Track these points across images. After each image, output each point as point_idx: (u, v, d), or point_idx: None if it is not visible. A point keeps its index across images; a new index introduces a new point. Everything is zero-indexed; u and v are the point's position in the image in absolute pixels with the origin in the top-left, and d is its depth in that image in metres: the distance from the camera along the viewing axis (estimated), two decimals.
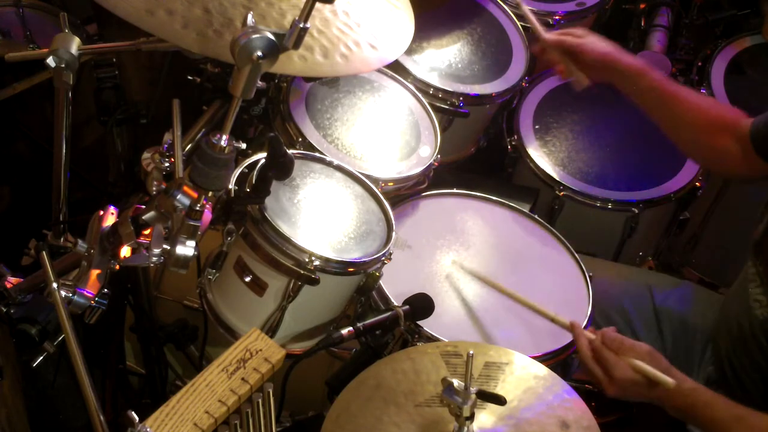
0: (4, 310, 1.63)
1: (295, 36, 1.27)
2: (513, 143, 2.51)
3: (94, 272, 1.43)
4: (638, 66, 2.00)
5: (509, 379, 1.51)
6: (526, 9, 2.37)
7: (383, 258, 1.81)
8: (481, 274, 1.95)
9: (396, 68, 2.24)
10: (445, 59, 2.43)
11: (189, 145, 1.88)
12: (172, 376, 2.11)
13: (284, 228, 1.71)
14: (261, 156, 1.73)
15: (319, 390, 1.74)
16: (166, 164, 1.62)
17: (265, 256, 1.72)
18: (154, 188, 1.54)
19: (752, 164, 1.88)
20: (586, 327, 1.91)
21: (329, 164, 1.93)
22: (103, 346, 2.07)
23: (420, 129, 2.17)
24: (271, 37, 1.25)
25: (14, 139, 2.58)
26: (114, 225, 1.44)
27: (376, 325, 1.68)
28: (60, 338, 1.66)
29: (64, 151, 1.67)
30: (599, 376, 1.68)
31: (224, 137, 1.32)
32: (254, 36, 1.24)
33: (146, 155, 1.64)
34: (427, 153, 2.12)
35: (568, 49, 2.06)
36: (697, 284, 2.32)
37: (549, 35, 2.11)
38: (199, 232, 1.42)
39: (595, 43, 2.05)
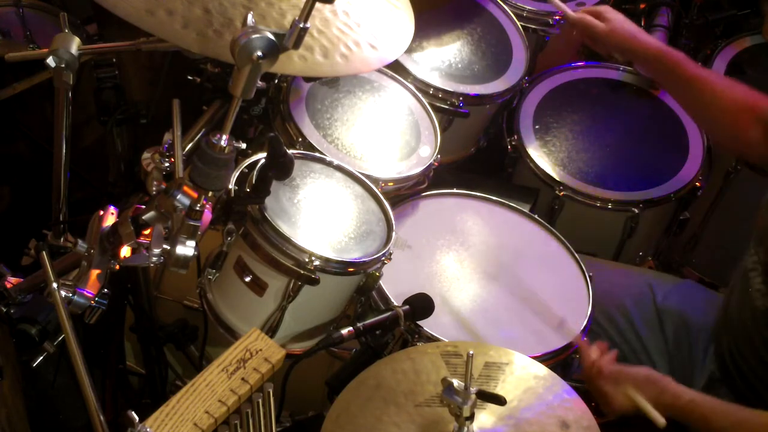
0: (4, 310, 1.63)
1: (295, 36, 1.27)
2: (513, 143, 2.51)
3: (94, 272, 1.43)
4: (659, 48, 2.02)
5: (509, 379, 1.51)
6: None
7: (383, 258, 1.81)
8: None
9: (396, 68, 2.24)
10: (445, 59, 2.43)
11: (189, 145, 1.88)
12: (172, 376, 2.11)
13: (284, 228, 1.71)
14: (261, 156, 1.73)
15: (319, 390, 1.74)
16: (166, 164, 1.62)
17: (265, 256, 1.72)
18: (154, 188, 1.54)
19: None
20: (586, 326, 1.92)
21: (329, 164, 1.93)
22: (103, 346, 2.07)
23: (420, 129, 2.17)
24: (271, 37, 1.25)
25: (14, 139, 2.58)
26: (114, 225, 1.44)
27: (376, 325, 1.68)
28: (60, 338, 1.66)
29: (64, 151, 1.67)
30: (597, 400, 1.70)
31: (224, 137, 1.32)
32: (254, 36, 1.25)
33: (146, 155, 1.64)
34: (427, 153, 2.12)
35: (593, 35, 2.09)
36: (698, 283, 2.32)
37: (575, 15, 2.14)
38: (199, 232, 1.42)
39: (620, 27, 2.07)
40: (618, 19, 2.09)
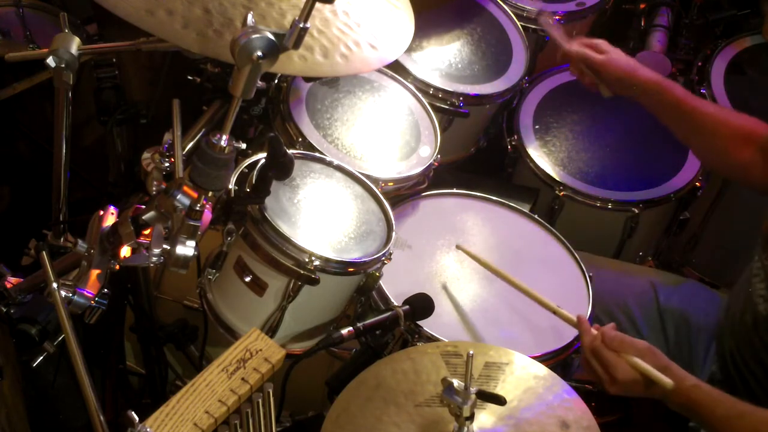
0: (4, 310, 1.63)
1: (295, 36, 1.27)
2: (513, 143, 2.51)
3: (94, 272, 1.43)
4: (658, 81, 2.03)
5: (509, 379, 1.51)
6: (548, 22, 2.38)
7: (383, 258, 1.81)
8: (481, 258, 1.95)
9: (396, 68, 2.24)
10: (445, 59, 2.43)
11: (189, 145, 1.88)
12: (172, 376, 2.11)
13: (284, 228, 1.71)
14: (261, 156, 1.73)
15: (319, 390, 1.74)
16: (166, 164, 1.62)
17: (265, 256, 1.72)
18: (154, 188, 1.54)
19: None
20: None
21: (329, 164, 1.93)
22: (103, 346, 2.07)
23: (420, 129, 2.17)
24: (271, 37, 1.26)
25: (14, 139, 2.58)
26: (114, 225, 1.44)
27: (376, 325, 1.68)
28: (60, 338, 1.66)
29: (64, 151, 1.67)
30: (600, 375, 1.68)
31: (224, 137, 1.32)
32: (254, 36, 1.25)
33: (146, 155, 1.64)
34: (427, 153, 2.12)
35: (590, 65, 2.09)
36: (700, 283, 2.32)
37: (573, 47, 2.13)
38: (199, 232, 1.42)
39: (616, 59, 2.07)
40: (615, 52, 2.09)
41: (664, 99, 2.01)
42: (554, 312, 1.82)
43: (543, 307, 1.84)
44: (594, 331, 1.73)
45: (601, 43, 2.12)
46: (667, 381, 1.62)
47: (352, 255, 1.78)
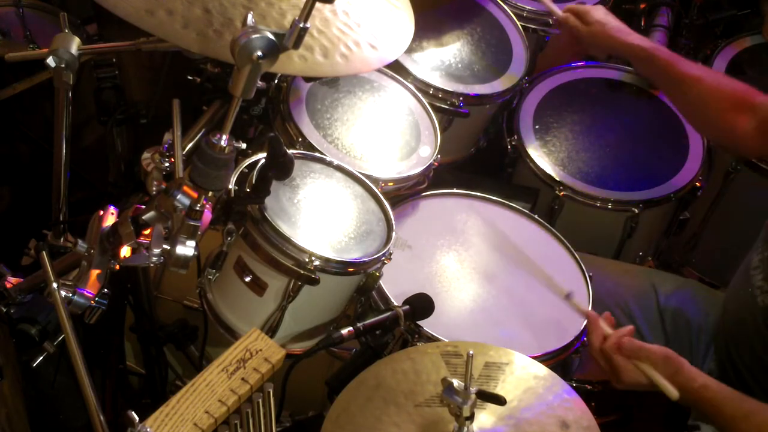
0: (4, 310, 1.64)
1: (295, 36, 1.27)
2: (513, 143, 2.51)
3: (94, 272, 1.43)
4: (646, 45, 2.01)
5: (509, 379, 1.51)
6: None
7: (383, 258, 1.81)
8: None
9: (396, 68, 2.24)
10: (445, 59, 2.43)
11: (189, 145, 1.88)
12: (172, 376, 2.11)
13: (284, 228, 1.71)
14: (261, 156, 1.73)
15: (319, 390, 1.74)
16: (166, 164, 1.62)
17: (265, 256, 1.72)
18: (154, 188, 1.54)
19: None
20: (586, 327, 1.92)
21: (329, 164, 1.93)
22: (103, 346, 2.07)
23: (420, 129, 2.17)
24: (271, 37, 1.26)
25: (14, 140, 2.58)
26: (114, 225, 1.45)
27: (376, 325, 1.68)
28: (60, 338, 1.66)
29: (64, 151, 1.67)
30: (607, 372, 1.69)
31: (224, 137, 1.32)
32: (254, 36, 1.25)
33: (146, 155, 1.64)
34: (427, 153, 2.12)
35: (576, 35, 2.09)
36: (700, 283, 2.32)
37: (563, 14, 2.13)
38: (199, 232, 1.42)
39: (599, 30, 2.06)
40: (603, 21, 2.08)
41: (652, 65, 2.01)
42: (566, 298, 1.82)
43: (556, 294, 1.83)
44: (606, 329, 1.73)
45: (591, 9, 2.12)
46: (672, 392, 1.63)
47: (352, 255, 1.78)
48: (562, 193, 2.40)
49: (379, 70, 2.21)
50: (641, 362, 1.66)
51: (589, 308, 1.96)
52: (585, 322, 1.92)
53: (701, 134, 2.40)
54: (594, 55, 2.13)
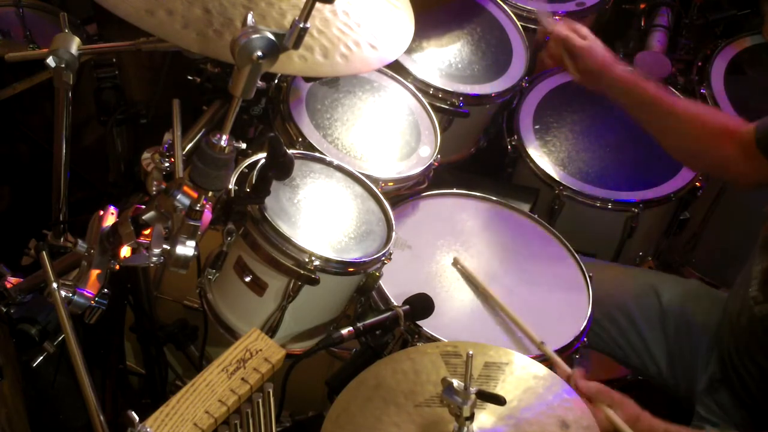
0: (4, 310, 1.63)
1: (295, 36, 1.27)
2: (513, 143, 2.51)
3: (94, 272, 1.43)
4: (632, 78, 2.01)
5: (509, 379, 1.51)
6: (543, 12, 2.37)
7: (383, 258, 1.81)
8: (479, 280, 1.95)
9: (396, 68, 2.24)
10: (445, 59, 2.43)
11: (189, 145, 1.88)
12: (172, 376, 2.11)
13: (284, 228, 1.71)
14: (261, 156, 1.73)
15: (319, 390, 1.74)
16: (166, 164, 1.62)
17: (265, 256, 1.72)
18: (154, 188, 1.54)
19: (759, 168, 1.88)
20: (586, 328, 1.92)
21: (329, 164, 1.93)
22: (103, 346, 2.07)
23: (420, 129, 2.17)
24: (271, 37, 1.26)
25: (14, 140, 2.58)
26: (114, 225, 1.45)
27: (376, 325, 1.68)
28: (60, 338, 1.66)
29: (64, 151, 1.67)
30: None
31: (224, 137, 1.32)
32: (254, 36, 1.25)
33: (146, 155, 1.64)
34: (427, 153, 2.12)
35: (570, 48, 2.08)
36: (701, 283, 2.32)
37: (557, 28, 2.12)
38: (199, 232, 1.42)
39: (596, 49, 2.06)
40: (597, 45, 2.08)
41: (638, 97, 2.00)
42: (537, 346, 1.83)
43: (527, 337, 1.85)
44: (567, 369, 1.73)
45: (584, 30, 2.11)
46: None
47: (352, 255, 1.78)
48: (562, 193, 2.40)
49: (379, 70, 2.21)
50: (603, 405, 1.66)
51: (589, 309, 1.95)
52: (585, 323, 1.92)
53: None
54: (573, 76, 2.10)
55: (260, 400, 1.36)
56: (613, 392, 1.68)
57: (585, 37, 2.08)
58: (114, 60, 1.96)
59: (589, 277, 2.03)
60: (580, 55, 2.05)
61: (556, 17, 2.65)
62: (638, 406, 1.67)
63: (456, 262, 1.99)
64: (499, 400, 1.41)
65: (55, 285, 1.37)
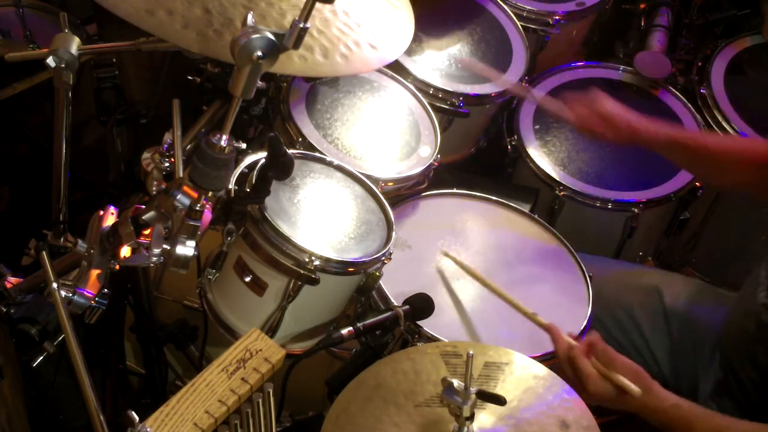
0: (4, 310, 1.63)
1: (295, 36, 1.27)
2: (513, 143, 2.51)
3: (94, 272, 1.43)
4: (663, 136, 2.02)
5: (509, 379, 1.51)
6: (550, 103, 2.33)
7: (383, 258, 1.81)
8: (472, 269, 1.96)
9: (396, 68, 2.25)
10: (445, 59, 2.43)
11: (189, 145, 1.88)
12: (172, 376, 2.11)
13: (284, 228, 1.71)
14: (261, 156, 1.73)
15: (319, 390, 1.73)
16: (166, 164, 1.62)
17: (265, 256, 1.72)
18: (154, 188, 1.54)
19: None
20: (586, 328, 1.92)
21: (329, 164, 1.93)
22: (103, 346, 2.07)
23: (420, 129, 2.17)
24: (271, 37, 1.25)
25: (14, 139, 2.58)
26: (114, 225, 1.44)
27: (376, 325, 1.68)
28: (60, 338, 1.66)
29: (64, 151, 1.67)
30: (573, 382, 1.68)
31: (224, 137, 1.32)
32: (254, 36, 1.25)
33: (146, 155, 1.64)
34: (427, 153, 2.12)
35: (595, 134, 2.09)
36: (705, 283, 2.31)
37: (576, 120, 2.12)
38: (199, 232, 1.42)
39: (616, 119, 2.05)
40: (613, 112, 2.07)
41: (674, 149, 2.05)
42: (531, 319, 1.82)
43: (520, 313, 1.84)
44: (568, 339, 1.73)
45: (595, 101, 2.10)
46: (634, 389, 1.62)
47: (352, 255, 1.78)
48: (562, 193, 2.40)
49: (379, 70, 2.21)
50: (609, 370, 1.66)
51: (589, 308, 1.95)
52: (585, 323, 1.92)
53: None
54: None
55: (260, 400, 1.36)
56: (625, 359, 1.68)
57: (599, 113, 2.07)
58: (114, 60, 1.96)
59: (589, 277, 2.03)
60: (605, 137, 2.07)
61: (556, 17, 2.65)
62: (648, 376, 1.67)
63: (446, 254, 1.99)
64: (499, 400, 1.41)
65: (55, 285, 1.37)
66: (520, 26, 2.59)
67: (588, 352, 1.68)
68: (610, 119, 2.05)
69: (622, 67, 2.75)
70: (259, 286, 1.76)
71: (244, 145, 1.40)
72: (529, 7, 2.66)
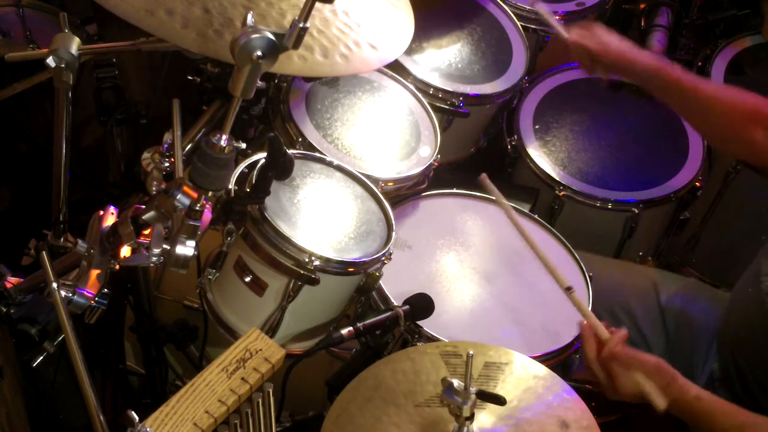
0: (4, 310, 1.63)
1: (295, 36, 1.27)
2: (513, 143, 2.52)
3: (94, 272, 1.43)
4: (654, 65, 2.02)
5: (509, 379, 1.51)
6: (545, 12, 2.38)
7: (383, 258, 1.81)
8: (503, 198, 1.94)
9: (396, 68, 2.24)
10: (445, 59, 2.43)
11: (189, 145, 1.88)
12: (172, 376, 2.11)
13: (284, 228, 1.71)
14: (261, 156, 1.73)
15: (319, 390, 1.74)
16: (166, 164, 1.62)
17: (265, 256, 1.72)
18: (154, 188, 1.54)
19: None
20: None
21: (329, 164, 1.93)
22: (103, 346, 2.07)
23: (420, 129, 2.17)
24: (271, 37, 1.26)
25: (14, 139, 2.58)
26: (114, 225, 1.45)
27: (376, 325, 1.68)
28: (60, 338, 1.66)
29: (64, 151, 1.67)
30: (603, 381, 1.68)
31: (224, 137, 1.32)
32: (254, 36, 1.25)
33: (146, 155, 1.64)
34: (427, 153, 2.12)
35: (588, 52, 2.08)
36: (701, 282, 2.32)
37: (570, 35, 2.13)
38: (199, 232, 1.42)
39: (613, 46, 2.06)
40: (610, 38, 2.08)
41: (663, 82, 2.01)
42: (567, 291, 1.81)
43: (557, 283, 1.82)
44: (602, 333, 1.71)
45: (596, 27, 2.12)
46: (660, 403, 1.63)
47: (352, 255, 1.78)
48: (562, 193, 2.40)
49: (379, 70, 2.21)
50: (634, 371, 1.66)
51: (589, 309, 1.95)
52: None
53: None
54: (602, 75, 2.12)
55: (260, 400, 1.36)
56: (646, 359, 1.67)
57: (597, 38, 2.08)
58: (114, 60, 1.96)
59: (589, 277, 2.03)
60: (597, 55, 2.07)
61: (557, 17, 2.66)
62: (669, 368, 1.66)
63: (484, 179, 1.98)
64: (499, 400, 1.41)
65: (55, 285, 1.37)
66: (520, 26, 2.59)
67: (614, 354, 1.68)
68: (606, 42, 2.06)
69: None
70: (259, 286, 1.76)
71: (244, 145, 1.40)
72: (529, 7, 2.66)
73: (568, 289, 1.79)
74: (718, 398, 1.67)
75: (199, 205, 1.37)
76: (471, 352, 1.36)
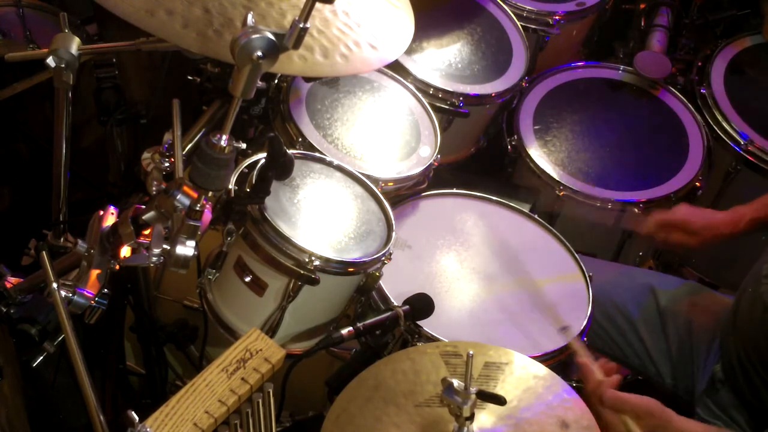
0: (4, 310, 1.63)
1: (295, 36, 1.27)
2: (513, 143, 2.51)
3: (94, 272, 1.43)
4: (747, 219, 2.02)
5: (509, 379, 1.51)
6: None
7: (383, 258, 1.81)
8: None
9: (396, 68, 2.25)
10: (445, 59, 2.43)
11: (189, 145, 1.87)
12: (172, 376, 2.11)
13: (284, 228, 1.71)
14: (261, 156, 1.73)
15: (319, 390, 1.74)
16: (166, 164, 1.62)
17: (265, 256, 1.72)
18: (154, 188, 1.54)
19: None
20: (586, 327, 1.92)
21: (329, 164, 1.93)
22: (103, 346, 2.07)
23: (420, 129, 2.17)
24: (271, 37, 1.25)
25: (14, 139, 2.58)
26: (114, 225, 1.45)
27: (376, 325, 1.68)
28: (60, 338, 1.66)
29: (64, 151, 1.67)
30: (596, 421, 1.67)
31: (224, 137, 1.32)
32: (254, 36, 1.25)
33: (146, 155, 1.64)
34: (427, 153, 2.12)
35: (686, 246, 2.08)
36: (700, 284, 2.31)
37: (658, 231, 2.11)
38: (199, 232, 1.42)
39: (711, 229, 2.05)
40: (706, 224, 2.06)
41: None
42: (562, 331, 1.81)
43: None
44: (597, 376, 1.70)
45: (681, 215, 2.09)
46: None
47: (352, 255, 1.78)
48: (562, 193, 2.40)
49: (379, 70, 2.21)
50: (624, 415, 1.65)
51: (589, 309, 1.95)
52: (585, 323, 1.92)
53: None
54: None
55: (260, 400, 1.36)
56: (637, 401, 1.65)
57: (696, 232, 2.06)
58: (114, 60, 1.96)
59: (589, 277, 2.03)
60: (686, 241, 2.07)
61: (556, 17, 2.65)
62: (662, 409, 1.64)
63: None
64: (499, 400, 1.41)
65: (55, 285, 1.37)
66: (520, 26, 2.59)
67: (599, 398, 1.67)
68: (690, 227, 2.05)
69: (622, 67, 2.75)
70: (259, 286, 1.76)
71: (244, 145, 1.40)
72: (529, 7, 2.66)
73: (563, 329, 1.80)
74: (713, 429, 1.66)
75: (199, 205, 1.37)
76: (471, 352, 1.36)
